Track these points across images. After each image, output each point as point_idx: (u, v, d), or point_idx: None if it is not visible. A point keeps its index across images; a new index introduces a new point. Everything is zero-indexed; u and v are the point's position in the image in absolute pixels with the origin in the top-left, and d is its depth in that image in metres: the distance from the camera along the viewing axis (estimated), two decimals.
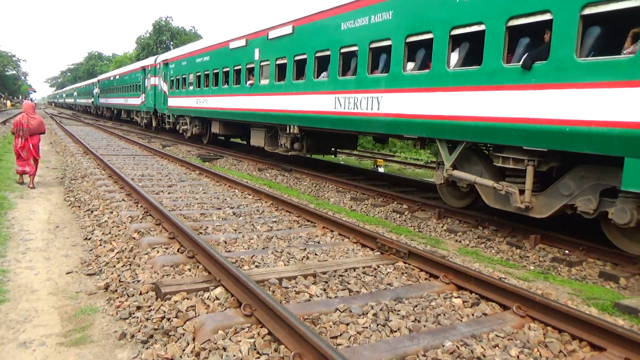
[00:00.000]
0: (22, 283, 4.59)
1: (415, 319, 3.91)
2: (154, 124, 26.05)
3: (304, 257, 5.44)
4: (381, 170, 15.43)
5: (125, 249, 5.46)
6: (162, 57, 24.22)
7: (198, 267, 4.90)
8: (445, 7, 7.33)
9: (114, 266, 5.01)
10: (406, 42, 8.18)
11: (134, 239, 5.80)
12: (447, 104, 7.35)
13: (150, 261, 5.00)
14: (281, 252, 5.53)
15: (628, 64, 5.17)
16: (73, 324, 3.82)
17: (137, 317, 3.81)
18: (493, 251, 6.85)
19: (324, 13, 10.42)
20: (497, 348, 3.53)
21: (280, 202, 8.24)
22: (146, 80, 26.01)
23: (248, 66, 14.14)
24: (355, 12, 9.36)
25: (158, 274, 4.68)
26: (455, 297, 4.45)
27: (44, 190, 9.19)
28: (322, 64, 10.89)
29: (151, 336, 3.50)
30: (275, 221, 7.10)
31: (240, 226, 6.75)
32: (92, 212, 7.33)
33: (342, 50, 9.88)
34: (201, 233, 6.24)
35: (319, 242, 6.14)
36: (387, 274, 5.01)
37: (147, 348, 3.37)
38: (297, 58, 11.55)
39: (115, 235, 6.04)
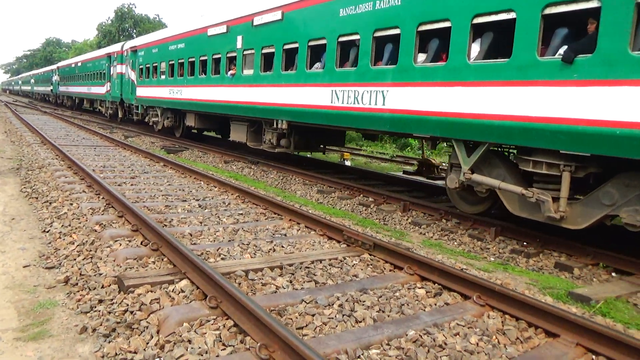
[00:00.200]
0: None
1: (380, 309, 3.99)
2: (120, 115, 24.86)
3: (270, 249, 5.45)
4: (348, 163, 15.53)
5: (87, 241, 5.31)
6: (130, 44, 22.84)
7: (162, 259, 4.83)
8: None
9: (75, 259, 4.87)
10: (418, 31, 7.44)
11: (96, 231, 5.65)
12: (467, 101, 6.64)
13: (113, 254, 4.89)
14: (247, 245, 5.51)
15: None
16: (31, 318, 3.70)
17: (99, 311, 3.73)
18: (455, 243, 7.03)
19: None
20: (457, 336, 3.65)
21: (246, 194, 8.19)
22: (112, 68, 24.65)
23: (229, 55, 13.13)
24: None
25: (121, 267, 4.59)
26: (419, 288, 4.56)
27: None
28: (316, 53, 10.06)
29: (114, 330, 3.44)
30: (241, 214, 7.06)
31: (206, 218, 6.68)
32: (50, 203, 7.09)
33: (341, 39, 9.05)
34: (166, 225, 6.14)
35: (285, 235, 6.15)
36: (352, 266, 5.08)
37: (109, 342, 3.30)
38: (287, 47, 10.61)
39: (76, 228, 5.86)
